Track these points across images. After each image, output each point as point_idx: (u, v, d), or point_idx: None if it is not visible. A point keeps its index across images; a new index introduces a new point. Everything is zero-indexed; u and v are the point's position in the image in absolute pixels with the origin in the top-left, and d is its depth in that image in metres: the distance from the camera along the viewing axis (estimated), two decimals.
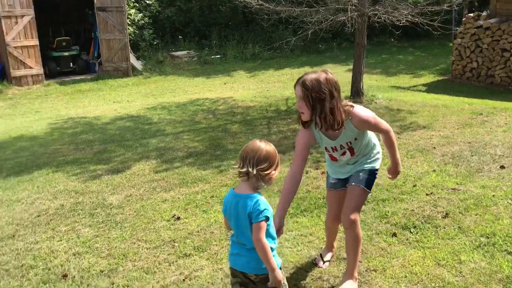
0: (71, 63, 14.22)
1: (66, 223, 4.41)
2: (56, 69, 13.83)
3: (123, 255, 3.65)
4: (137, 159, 6.60)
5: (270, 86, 12.60)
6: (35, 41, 12.88)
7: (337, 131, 2.90)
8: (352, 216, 3.04)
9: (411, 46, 17.92)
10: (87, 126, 9.14)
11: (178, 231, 4.07)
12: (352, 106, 2.95)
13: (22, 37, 12.66)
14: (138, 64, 14.57)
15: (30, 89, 12.90)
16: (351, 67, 15.10)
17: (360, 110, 2.97)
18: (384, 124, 3.08)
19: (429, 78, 13.17)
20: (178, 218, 4.34)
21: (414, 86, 12.34)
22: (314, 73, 2.82)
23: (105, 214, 4.57)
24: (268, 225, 2.34)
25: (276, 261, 2.36)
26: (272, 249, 2.34)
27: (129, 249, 3.77)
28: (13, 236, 4.18)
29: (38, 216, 4.66)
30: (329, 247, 3.50)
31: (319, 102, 2.75)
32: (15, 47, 12.60)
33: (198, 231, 4.04)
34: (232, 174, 5.64)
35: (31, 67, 12.91)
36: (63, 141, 8.07)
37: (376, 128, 3.06)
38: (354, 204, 3.08)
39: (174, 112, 9.99)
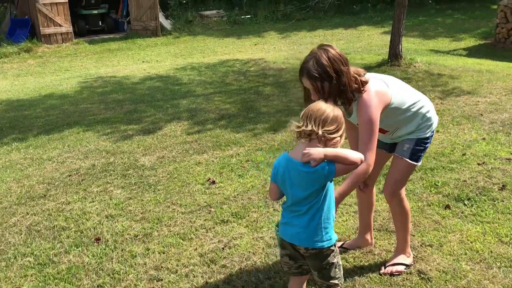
0: (100, 22, 13.98)
1: (97, 183, 4.26)
2: (85, 27, 13.63)
3: (158, 219, 3.49)
4: (168, 120, 6.41)
5: (303, 48, 12.13)
6: None
7: (348, 107, 2.53)
8: (393, 190, 2.74)
9: (450, 8, 17.00)
10: (116, 86, 8.98)
11: (213, 195, 3.88)
12: (365, 81, 2.47)
13: None
14: (167, 24, 14.25)
15: (59, 47, 12.77)
16: (386, 29, 14.50)
17: (370, 92, 2.47)
18: (370, 140, 2.44)
19: (469, 42, 12.46)
20: (213, 182, 4.14)
21: (454, 50, 11.70)
22: (313, 57, 2.36)
23: (138, 176, 4.41)
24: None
25: (331, 236, 2.12)
26: (329, 222, 2.10)
27: (164, 213, 3.60)
28: (44, 195, 4.06)
29: (69, 175, 4.53)
30: (362, 235, 3.07)
31: (331, 87, 2.36)
32: (44, 4, 12.40)
33: (235, 197, 3.83)
34: (267, 138, 5.40)
35: (60, 25, 12.74)
36: (93, 100, 7.94)
37: (360, 130, 2.49)
38: (397, 177, 2.73)
39: (204, 73, 9.73)
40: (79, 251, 3.10)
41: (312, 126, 2.00)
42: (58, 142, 5.66)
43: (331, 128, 2.02)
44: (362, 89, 2.44)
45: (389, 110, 2.56)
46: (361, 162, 2.08)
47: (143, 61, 11.48)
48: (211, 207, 3.66)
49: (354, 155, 2.07)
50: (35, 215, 3.66)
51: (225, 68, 9.99)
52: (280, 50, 12.07)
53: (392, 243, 2.99)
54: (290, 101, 7.15)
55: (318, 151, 2.01)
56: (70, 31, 12.94)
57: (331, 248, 2.12)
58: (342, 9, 15.71)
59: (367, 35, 13.42)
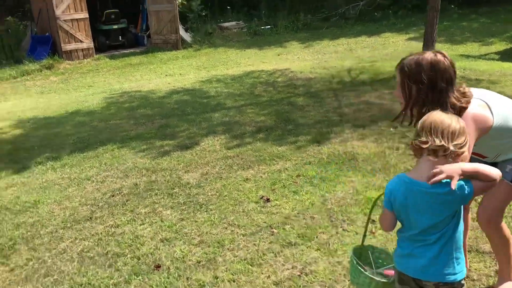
0: (120, 37, 13.90)
1: (144, 204, 4.02)
2: (106, 42, 13.55)
3: (218, 243, 3.22)
4: (203, 134, 6.18)
5: (327, 57, 11.89)
6: (84, 14, 12.58)
7: None
8: (490, 217, 2.41)
9: (473, 12, 16.66)
10: (143, 100, 8.80)
11: (272, 215, 3.61)
12: (467, 101, 2.17)
13: (72, 10, 12.38)
14: (187, 36, 14.12)
15: (81, 63, 12.68)
16: (411, 35, 14.22)
17: (467, 116, 2.15)
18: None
19: (500, 45, 12.11)
20: (268, 200, 3.88)
21: (485, 54, 11.36)
22: (419, 54, 2.17)
23: (185, 195, 4.16)
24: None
25: (463, 268, 1.82)
26: (461, 252, 1.81)
27: (223, 235, 3.33)
28: (90, 218, 3.83)
29: (113, 196, 4.30)
30: None
31: (418, 92, 2.12)
32: (65, 20, 12.34)
33: (296, 216, 3.56)
34: (313, 151, 5.13)
35: (81, 41, 12.67)
36: (121, 115, 7.75)
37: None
38: (495, 204, 2.39)
39: (230, 85, 9.52)
40: (140, 280, 2.85)
41: (441, 141, 1.72)
42: (94, 160, 5.45)
43: (460, 141, 1.75)
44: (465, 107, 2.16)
45: (489, 134, 2.26)
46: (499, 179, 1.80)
47: (166, 75, 11.32)
48: (272, 228, 3.39)
49: (493, 171, 1.79)
50: (84, 240, 3.42)
51: (251, 80, 9.78)
52: (305, 59, 11.83)
53: (489, 266, 2.69)
54: (327, 111, 6.89)
55: (453, 168, 1.73)
56: (91, 47, 12.86)
57: (462, 282, 1.83)
58: (363, 16, 15.46)
59: (392, 42, 13.14)
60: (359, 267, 1.97)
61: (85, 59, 12.82)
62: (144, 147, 5.82)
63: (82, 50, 12.78)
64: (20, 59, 12.49)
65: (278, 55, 12.73)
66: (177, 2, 13.36)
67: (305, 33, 15.14)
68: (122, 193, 4.34)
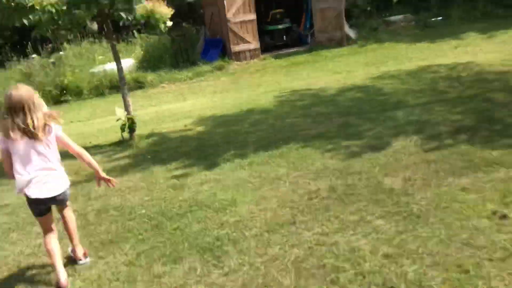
0: (284, 36, 13.96)
1: (349, 210, 3.66)
2: (270, 42, 13.73)
3: (459, 267, 2.67)
4: (392, 134, 5.63)
5: None
6: (252, 16, 12.87)
7: None
8: None
9: None
10: (315, 98, 8.54)
11: None
12: None
13: (241, 12, 12.75)
14: (351, 33, 13.61)
15: (248, 63, 13.01)
16: None
17: None
18: None
19: None
20: (504, 216, 3.20)
21: None
22: None
23: (393, 203, 3.69)
24: None
25: None
26: None
27: (461, 257, 2.78)
28: (294, 222, 3.59)
29: (310, 199, 4.02)
30: None
31: None
32: (234, 23, 12.77)
33: None
34: None
35: (249, 42, 12.99)
36: (297, 113, 7.57)
37: None
38: None
39: (406, 81, 8.78)
40: None
41: None
42: (280, 159, 5.28)
43: None
44: None
45: None
46: None
47: (333, 72, 10.96)
48: None
49: None
50: (294, 248, 3.17)
51: (430, 75, 8.91)
52: (490, 51, 10.45)
53: None
54: None
55: None
56: (258, 48, 13.12)
57: None
58: None
59: None
60: None
61: (252, 60, 13.13)
62: (330, 147, 5.49)
63: (250, 51, 13.09)
64: (194, 61, 13.28)
65: (456, 47, 11.51)
66: None
67: (485, 23, 13.51)
68: (320, 196, 4.04)
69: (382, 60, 11.44)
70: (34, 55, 13.15)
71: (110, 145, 7.34)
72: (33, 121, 3.14)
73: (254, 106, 8.64)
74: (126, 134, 7.23)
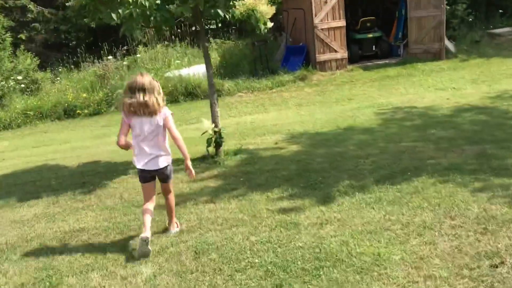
0: (374, 46, 12.75)
1: None
2: (358, 52, 12.54)
3: None
4: None
5: None
6: (342, 22, 11.78)
7: None
8: None
9: None
10: (426, 118, 7.32)
11: None
12: None
13: (330, 18, 11.69)
14: (450, 45, 12.18)
15: (333, 74, 11.90)
16: None
17: None
18: None
19: None
20: None
21: None
22: None
23: None
24: None
25: None
26: None
27: None
28: None
29: (494, 266, 2.87)
30: None
31: None
32: (322, 29, 11.73)
33: None
34: None
35: (336, 51, 11.89)
36: (410, 136, 6.40)
37: None
38: None
39: None
40: None
41: None
42: (417, 198, 4.15)
43: None
44: None
45: None
46: None
47: (436, 88, 9.65)
48: None
49: None
50: None
51: None
52: None
53: None
54: None
55: None
56: (345, 57, 11.99)
57: None
58: None
59: None
60: None
61: (337, 70, 12.01)
62: (479, 185, 4.30)
63: (336, 60, 11.99)
64: (274, 69, 12.35)
65: None
66: (445, 6, 11.54)
67: None
68: (509, 265, 2.85)
69: (493, 77, 9.98)
70: (110, 57, 12.71)
71: (192, 160, 6.49)
72: (152, 101, 3.75)
73: (352, 123, 7.54)
74: (211, 149, 6.33)
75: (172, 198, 4.20)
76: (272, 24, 6.34)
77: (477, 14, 13.23)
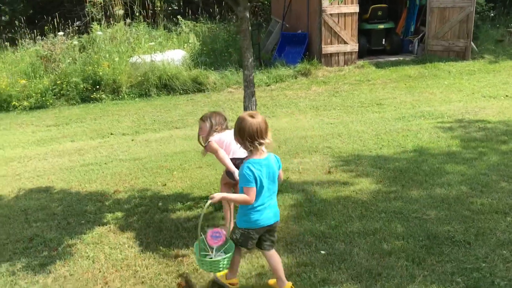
0: (383, 39, 10.77)
1: None
2: (366, 46, 10.51)
3: None
4: None
5: None
6: (355, 7, 9.68)
7: None
8: None
9: None
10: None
11: None
12: None
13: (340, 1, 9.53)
14: (472, 44, 10.44)
15: (341, 70, 9.79)
16: None
17: None
18: None
19: None
20: None
21: None
22: None
23: None
24: None
25: None
26: None
27: None
28: None
29: None
30: None
31: None
32: (330, 15, 9.56)
33: None
34: None
35: (345, 42, 9.78)
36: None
37: None
38: None
39: None
40: None
41: None
42: None
43: None
44: None
45: None
46: None
47: (483, 96, 7.77)
48: None
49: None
50: None
51: None
52: None
53: None
54: None
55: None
56: (355, 51, 9.92)
57: None
58: None
59: None
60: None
61: (345, 66, 9.92)
62: None
63: (345, 54, 9.89)
64: (267, 61, 10.06)
65: None
66: None
67: None
68: None
69: None
70: (60, 33, 9.81)
71: (199, 201, 4.14)
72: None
73: (418, 143, 5.46)
74: None
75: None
76: None
77: (498, 9, 11.61)
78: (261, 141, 2.56)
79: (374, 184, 4.24)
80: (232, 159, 3.52)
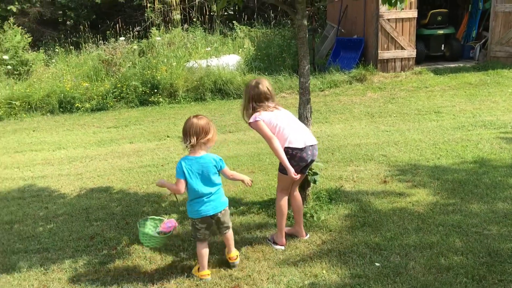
0: (443, 45, 10.44)
1: None
2: (424, 51, 10.23)
3: None
4: None
5: None
6: (413, 13, 9.45)
7: None
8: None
9: None
10: None
11: None
12: None
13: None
14: None
15: (397, 76, 9.58)
16: None
17: None
18: None
19: None
20: None
21: None
22: None
23: None
24: None
25: None
26: None
27: None
28: None
29: None
30: None
31: None
32: (388, 20, 9.39)
33: None
34: None
35: (402, 48, 9.57)
36: None
37: None
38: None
39: None
40: None
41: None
42: None
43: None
44: None
45: None
46: None
47: None
48: None
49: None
50: None
51: None
52: None
53: None
54: None
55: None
56: (412, 56, 9.68)
57: None
58: None
59: None
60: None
61: (402, 72, 9.70)
62: None
63: (402, 59, 9.67)
64: (321, 66, 10.01)
65: None
66: None
67: None
68: None
69: None
70: (122, 38, 10.23)
71: (251, 206, 4.18)
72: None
73: (478, 153, 5.24)
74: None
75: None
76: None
77: None
78: (199, 141, 2.88)
79: (431, 196, 4.12)
80: (286, 150, 2.98)
